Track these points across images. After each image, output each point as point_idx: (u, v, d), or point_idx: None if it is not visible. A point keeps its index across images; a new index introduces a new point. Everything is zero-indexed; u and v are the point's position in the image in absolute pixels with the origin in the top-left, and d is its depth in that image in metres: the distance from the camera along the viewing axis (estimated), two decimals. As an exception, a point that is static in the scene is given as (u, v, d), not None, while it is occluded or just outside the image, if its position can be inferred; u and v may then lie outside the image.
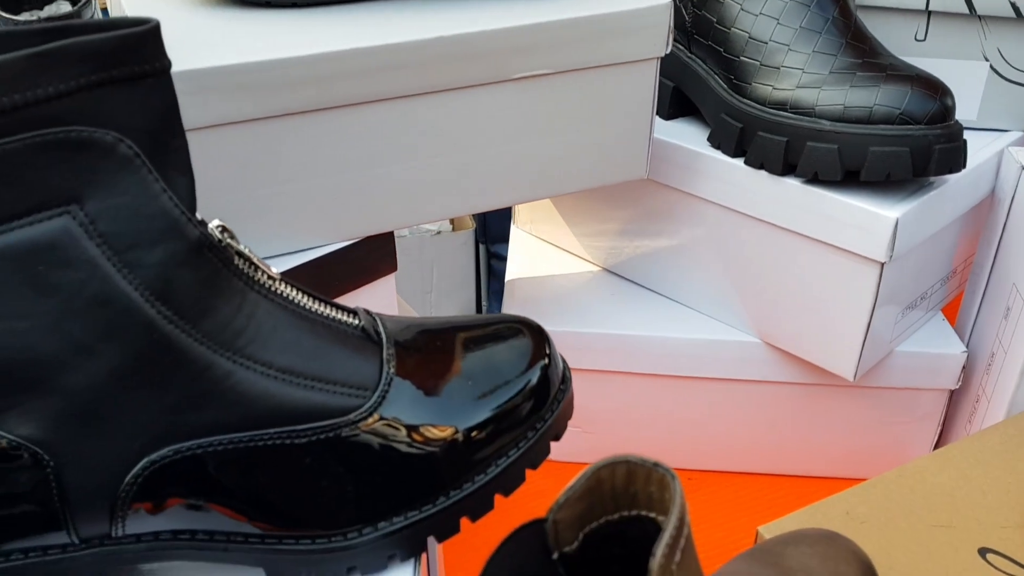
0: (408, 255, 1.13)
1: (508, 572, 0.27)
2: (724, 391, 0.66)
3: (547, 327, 0.65)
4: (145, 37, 0.29)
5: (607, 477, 0.29)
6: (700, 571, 0.29)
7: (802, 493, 0.67)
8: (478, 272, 1.44)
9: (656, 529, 0.30)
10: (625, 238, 0.69)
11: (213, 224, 0.32)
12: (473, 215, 1.23)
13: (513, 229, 0.78)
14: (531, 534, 0.29)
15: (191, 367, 0.31)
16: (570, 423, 0.67)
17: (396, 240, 0.53)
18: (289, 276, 0.47)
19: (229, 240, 0.32)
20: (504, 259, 1.41)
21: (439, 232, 1.15)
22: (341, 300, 0.51)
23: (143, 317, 0.30)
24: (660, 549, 0.26)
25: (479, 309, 1.47)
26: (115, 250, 0.29)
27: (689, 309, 0.67)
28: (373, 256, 0.52)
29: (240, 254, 0.33)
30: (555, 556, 0.29)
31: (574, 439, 0.68)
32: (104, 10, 0.62)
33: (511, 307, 0.67)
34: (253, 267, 0.33)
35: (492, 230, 1.40)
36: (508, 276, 0.71)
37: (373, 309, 0.53)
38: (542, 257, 0.74)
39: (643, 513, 0.30)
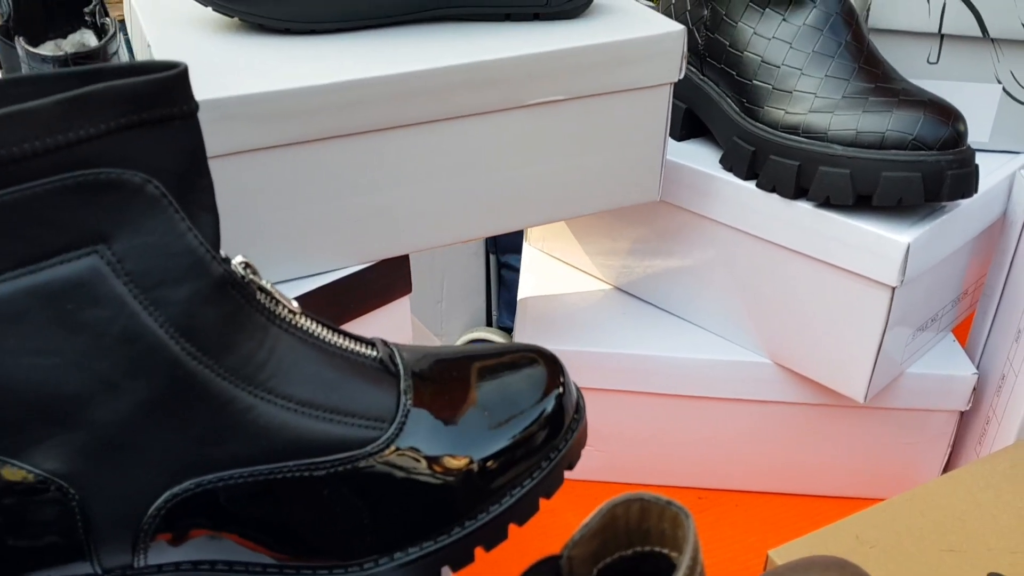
0: (418, 265, 1.14)
1: (524, 609, 0.28)
2: (735, 411, 0.66)
3: (559, 346, 0.65)
4: (174, 81, 0.29)
5: (621, 514, 0.30)
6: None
7: (812, 513, 0.67)
8: (488, 282, 1.45)
9: (668, 565, 0.30)
10: (637, 257, 0.70)
11: (236, 260, 0.33)
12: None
13: (525, 247, 0.78)
14: (546, 570, 0.29)
15: (214, 402, 0.31)
16: (581, 441, 0.68)
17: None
18: (305, 299, 0.48)
19: (252, 276, 0.33)
20: (513, 269, 1.41)
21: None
22: (356, 323, 0.51)
23: (168, 354, 0.30)
24: (674, 589, 0.26)
25: (489, 319, 1.48)
26: (142, 288, 0.30)
27: (701, 329, 0.68)
28: (388, 278, 0.53)
29: (262, 289, 0.34)
30: (570, 592, 0.30)
31: (584, 457, 0.69)
32: (123, 28, 0.63)
33: (523, 325, 0.68)
34: (275, 302, 0.34)
35: (502, 240, 1.41)
36: (520, 294, 0.72)
37: (388, 331, 0.54)
38: (554, 275, 0.74)
39: (656, 549, 0.30)
